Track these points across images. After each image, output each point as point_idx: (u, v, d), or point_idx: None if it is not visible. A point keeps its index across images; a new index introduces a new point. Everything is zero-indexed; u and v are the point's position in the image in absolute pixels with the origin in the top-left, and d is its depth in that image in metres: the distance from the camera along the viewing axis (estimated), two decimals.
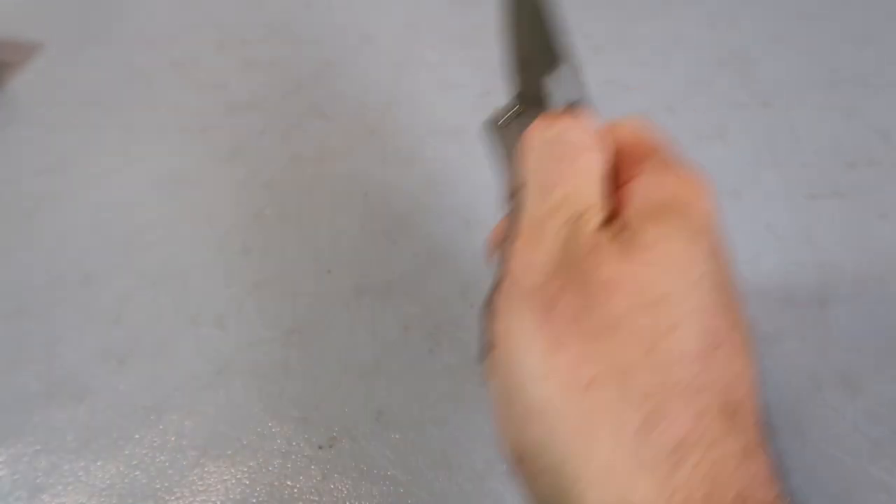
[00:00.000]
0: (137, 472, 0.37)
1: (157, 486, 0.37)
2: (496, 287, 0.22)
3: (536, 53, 0.26)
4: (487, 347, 0.21)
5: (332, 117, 0.58)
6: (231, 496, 0.36)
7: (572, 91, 0.25)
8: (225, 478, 0.37)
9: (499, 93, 0.64)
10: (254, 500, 0.36)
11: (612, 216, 0.21)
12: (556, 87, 0.25)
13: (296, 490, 0.36)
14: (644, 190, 0.21)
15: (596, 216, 0.21)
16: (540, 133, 0.23)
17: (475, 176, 0.52)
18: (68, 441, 0.39)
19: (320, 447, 0.38)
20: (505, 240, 0.24)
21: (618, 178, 0.23)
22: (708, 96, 0.58)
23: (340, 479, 0.37)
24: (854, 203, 0.48)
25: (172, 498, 0.36)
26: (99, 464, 0.38)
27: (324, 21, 0.70)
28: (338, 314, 0.44)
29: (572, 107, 0.25)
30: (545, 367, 0.18)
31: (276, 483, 0.37)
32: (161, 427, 0.39)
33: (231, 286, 0.46)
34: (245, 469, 0.37)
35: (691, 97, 0.58)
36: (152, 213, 0.51)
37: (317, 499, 0.36)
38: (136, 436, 0.39)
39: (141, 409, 0.40)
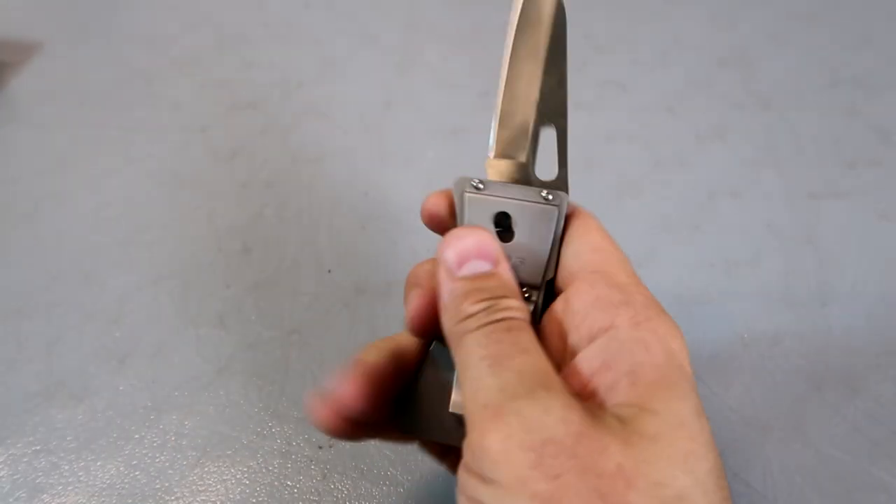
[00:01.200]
0: (137, 472, 0.37)
1: (157, 486, 0.37)
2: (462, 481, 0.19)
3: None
4: None
5: (332, 117, 0.58)
6: (231, 496, 0.36)
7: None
8: (225, 478, 0.37)
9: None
10: (254, 500, 0.36)
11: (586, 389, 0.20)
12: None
13: (296, 490, 0.36)
14: (638, 353, 0.20)
15: (563, 408, 0.18)
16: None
17: (474, 176, 0.52)
18: (68, 441, 0.39)
19: (320, 447, 0.38)
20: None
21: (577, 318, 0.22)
22: (708, 96, 0.58)
23: (340, 479, 0.37)
24: (854, 203, 0.48)
25: (172, 498, 0.36)
26: (99, 464, 0.38)
27: (324, 21, 0.70)
28: (338, 314, 0.44)
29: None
30: None
31: (276, 483, 0.37)
32: (161, 427, 0.39)
33: (231, 286, 0.46)
34: (245, 469, 0.37)
35: (691, 97, 0.58)
36: (152, 213, 0.51)
37: (317, 499, 0.36)
38: (136, 436, 0.39)
39: (141, 409, 0.40)
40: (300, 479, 0.37)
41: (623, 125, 0.56)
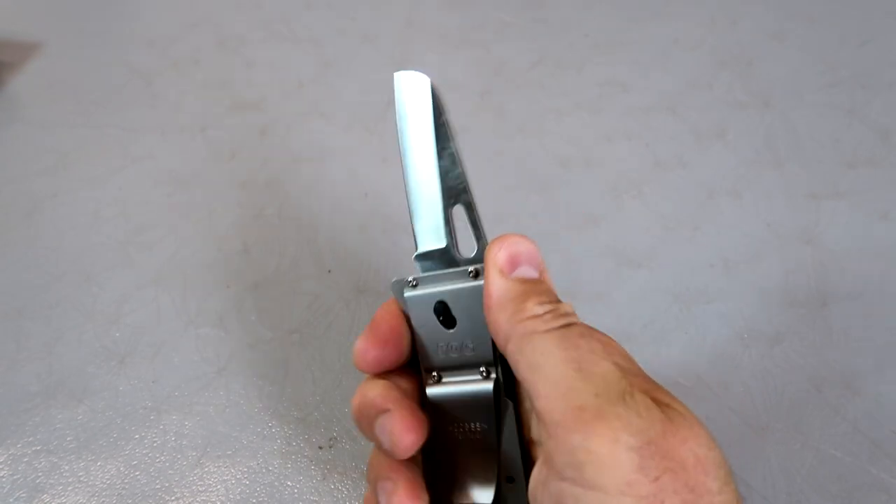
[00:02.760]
0: (137, 472, 0.37)
1: (157, 486, 0.37)
2: None
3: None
4: None
5: (332, 117, 0.58)
6: (231, 496, 0.36)
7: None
8: (225, 478, 0.37)
9: (499, 93, 0.65)
10: (254, 501, 0.36)
11: None
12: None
13: (296, 490, 0.36)
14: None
15: None
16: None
17: (474, 176, 0.52)
18: (68, 441, 0.39)
19: (320, 447, 0.38)
20: None
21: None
22: (708, 96, 0.58)
23: (340, 479, 0.37)
24: (854, 203, 0.48)
25: (172, 498, 0.36)
26: (99, 464, 0.38)
27: (324, 21, 0.70)
28: (338, 314, 0.44)
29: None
30: None
31: (276, 483, 0.37)
32: (161, 427, 0.39)
33: (231, 286, 0.46)
34: (245, 469, 0.37)
35: (691, 97, 0.58)
36: (152, 213, 0.51)
37: (317, 499, 0.36)
38: (136, 436, 0.39)
39: (141, 409, 0.40)
40: (300, 480, 0.37)
41: (623, 125, 0.56)
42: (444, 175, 0.26)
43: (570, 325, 0.21)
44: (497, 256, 0.23)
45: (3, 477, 0.37)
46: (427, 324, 0.25)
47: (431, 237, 0.26)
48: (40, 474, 0.37)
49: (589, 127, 0.56)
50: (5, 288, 0.47)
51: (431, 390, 0.25)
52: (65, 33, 0.70)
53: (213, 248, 0.48)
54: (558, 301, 0.22)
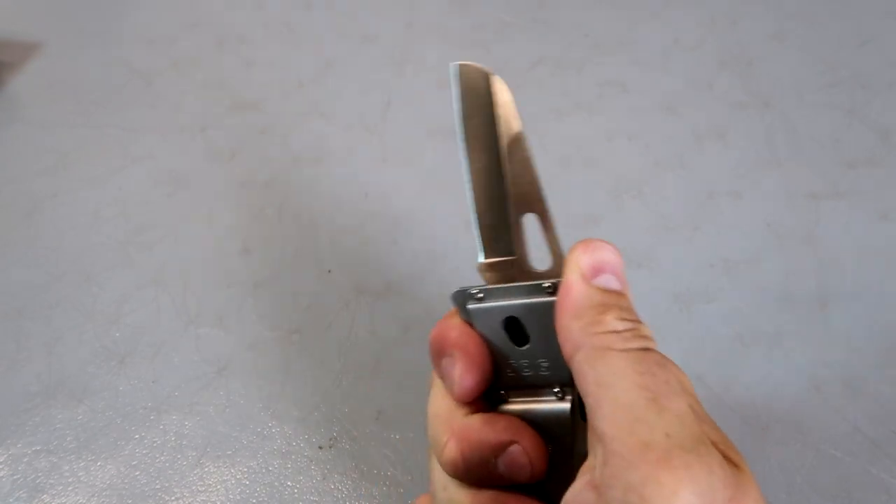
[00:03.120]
0: (137, 472, 0.37)
1: (157, 486, 0.37)
2: None
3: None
4: None
5: (332, 117, 0.58)
6: (231, 496, 0.36)
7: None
8: (225, 478, 0.37)
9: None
10: (254, 501, 0.36)
11: None
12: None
13: (296, 490, 0.36)
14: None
15: None
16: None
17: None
18: (68, 441, 0.39)
19: (320, 447, 0.38)
20: None
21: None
22: (708, 96, 0.58)
23: (340, 479, 0.37)
24: (854, 203, 0.48)
25: (172, 498, 0.36)
26: (99, 464, 0.38)
27: (324, 21, 0.70)
28: (338, 314, 0.44)
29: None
30: None
31: (276, 483, 0.37)
32: (161, 427, 0.39)
33: (231, 286, 0.46)
34: (245, 469, 0.37)
35: (691, 97, 0.58)
36: (152, 213, 0.51)
37: (317, 499, 0.36)
38: (136, 436, 0.39)
39: (141, 409, 0.40)
40: (300, 480, 0.37)
41: (623, 125, 0.56)
42: (515, 180, 0.24)
43: (648, 350, 0.20)
44: (581, 259, 0.21)
45: (3, 477, 0.37)
46: (495, 340, 0.23)
47: (498, 246, 0.24)
48: (40, 474, 0.37)
49: (589, 127, 0.56)
50: (5, 288, 0.47)
51: (503, 409, 0.23)
52: (65, 33, 0.70)
53: (213, 248, 0.48)
54: (639, 321, 0.21)
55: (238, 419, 0.39)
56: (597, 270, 0.21)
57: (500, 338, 0.23)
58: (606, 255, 0.21)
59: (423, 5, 0.70)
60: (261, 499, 0.36)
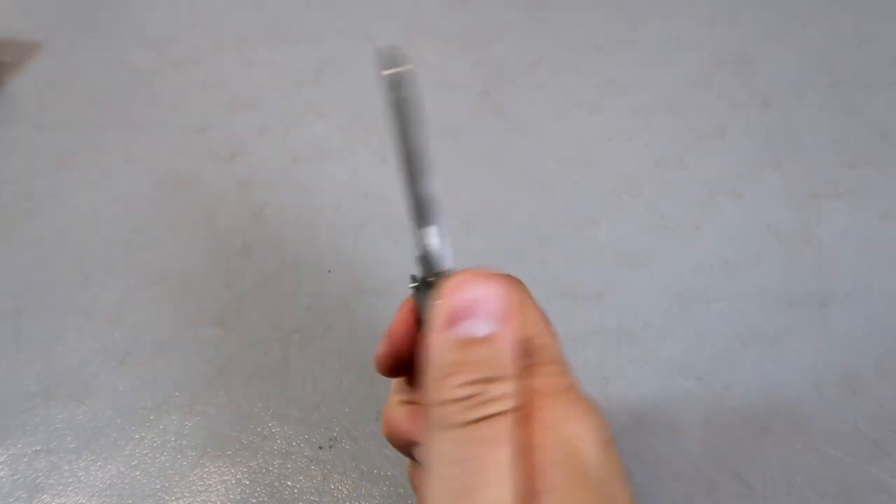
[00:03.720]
0: (137, 472, 0.37)
1: (157, 486, 0.37)
2: None
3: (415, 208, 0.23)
4: None
5: (331, 117, 0.58)
6: (231, 496, 0.36)
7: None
8: (225, 478, 0.37)
9: (498, 93, 0.65)
10: (254, 501, 0.36)
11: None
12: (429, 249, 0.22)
13: (296, 490, 0.36)
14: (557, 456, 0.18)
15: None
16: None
17: (475, 176, 0.52)
18: (68, 441, 0.39)
19: (320, 447, 0.38)
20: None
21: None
22: (708, 96, 0.58)
23: (340, 479, 0.37)
24: (854, 203, 0.48)
25: (172, 498, 0.36)
26: (99, 464, 0.38)
27: (324, 21, 0.70)
28: (338, 314, 0.44)
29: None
30: None
31: (276, 483, 0.37)
32: (161, 427, 0.39)
33: (231, 286, 0.46)
34: (245, 469, 0.37)
35: (691, 97, 0.58)
36: (152, 213, 0.51)
37: (317, 499, 0.36)
38: (136, 436, 0.39)
39: (141, 409, 0.40)
40: (300, 480, 0.37)
41: (623, 125, 0.56)
42: (410, 189, 0.24)
43: (487, 419, 0.18)
44: (441, 307, 0.19)
45: (3, 477, 0.37)
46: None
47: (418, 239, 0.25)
48: (40, 474, 0.37)
49: (589, 127, 0.56)
50: (5, 288, 0.47)
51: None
52: (65, 33, 0.70)
53: (213, 248, 0.48)
54: (490, 380, 0.18)
55: (238, 419, 0.39)
56: (457, 317, 0.19)
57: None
58: (477, 292, 0.19)
59: (423, 5, 0.70)
60: (261, 499, 0.36)
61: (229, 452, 0.38)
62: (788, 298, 0.43)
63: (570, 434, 0.18)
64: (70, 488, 0.37)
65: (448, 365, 0.18)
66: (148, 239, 0.49)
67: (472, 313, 0.19)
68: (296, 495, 0.36)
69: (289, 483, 0.37)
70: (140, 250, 0.48)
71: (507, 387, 0.18)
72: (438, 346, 0.19)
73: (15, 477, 0.37)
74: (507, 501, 0.17)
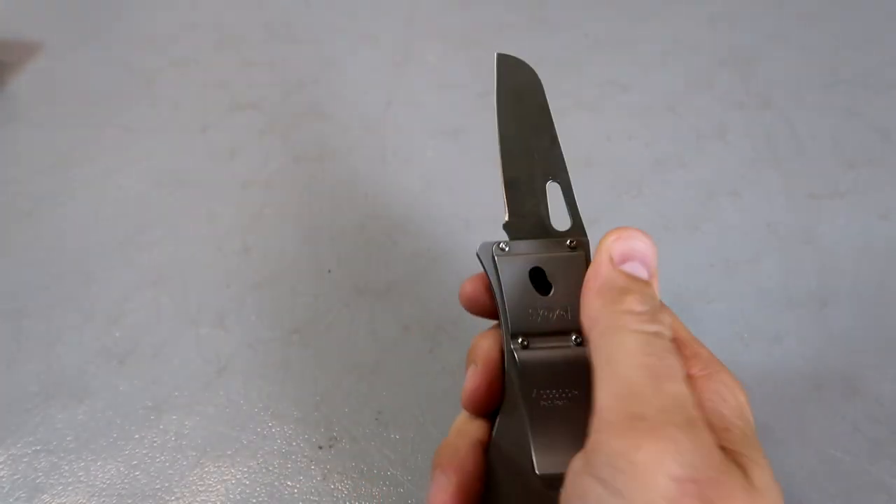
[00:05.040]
0: (137, 472, 0.37)
1: (157, 486, 0.37)
2: None
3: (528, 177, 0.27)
4: None
5: (332, 117, 0.58)
6: (231, 496, 0.36)
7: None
8: (225, 478, 0.37)
9: None
10: (254, 501, 0.36)
11: None
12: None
13: (296, 490, 0.36)
14: (712, 405, 0.20)
15: None
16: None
17: (475, 176, 0.52)
18: (68, 441, 0.39)
19: (320, 447, 0.38)
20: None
21: None
22: (708, 96, 0.58)
23: (340, 479, 0.37)
24: (854, 203, 0.48)
25: (172, 498, 0.36)
26: (99, 464, 0.38)
27: (324, 21, 0.70)
28: (338, 314, 0.44)
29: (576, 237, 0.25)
30: None
31: (276, 483, 0.37)
32: (161, 427, 0.39)
33: (231, 286, 0.46)
34: (245, 469, 0.37)
35: (691, 97, 0.58)
36: (152, 213, 0.51)
37: (317, 499, 0.36)
38: (136, 436, 0.39)
39: (141, 409, 0.40)
40: (300, 480, 0.37)
41: (623, 125, 0.56)
42: (543, 152, 0.28)
43: (660, 335, 0.20)
44: (613, 245, 0.23)
45: (3, 477, 0.37)
46: (519, 288, 0.25)
47: (523, 207, 0.27)
48: (40, 474, 0.37)
49: (589, 127, 0.56)
50: (5, 288, 0.47)
51: (522, 354, 0.25)
52: (65, 33, 0.70)
53: (213, 248, 0.48)
54: (659, 309, 0.21)
55: (238, 419, 0.39)
56: (625, 258, 0.23)
57: (525, 286, 0.25)
58: (638, 244, 0.23)
59: (423, 5, 0.70)
60: (261, 499, 0.36)
61: (229, 452, 0.38)
62: (788, 298, 0.43)
63: (741, 400, 0.20)
64: (70, 488, 0.37)
65: (624, 287, 0.22)
66: (148, 239, 0.49)
67: (635, 258, 0.23)
68: (296, 495, 0.36)
69: (289, 483, 0.37)
70: (140, 250, 0.48)
71: (668, 319, 0.21)
72: (612, 273, 0.22)
73: (15, 477, 0.37)
74: (689, 397, 0.19)
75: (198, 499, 0.36)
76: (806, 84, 0.58)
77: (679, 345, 0.22)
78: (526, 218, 0.27)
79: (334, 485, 0.36)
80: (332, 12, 0.71)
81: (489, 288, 0.26)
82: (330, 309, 0.44)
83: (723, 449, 0.18)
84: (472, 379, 0.24)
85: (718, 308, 0.43)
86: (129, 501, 0.36)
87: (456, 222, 0.49)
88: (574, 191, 0.27)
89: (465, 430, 0.24)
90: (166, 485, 0.37)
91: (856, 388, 0.39)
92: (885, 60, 0.60)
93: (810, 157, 0.52)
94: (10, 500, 0.36)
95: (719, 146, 0.53)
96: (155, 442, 0.38)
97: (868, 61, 0.60)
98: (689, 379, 0.20)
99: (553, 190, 0.27)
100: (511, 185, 0.27)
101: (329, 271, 0.47)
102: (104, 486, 0.37)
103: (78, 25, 0.71)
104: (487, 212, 0.49)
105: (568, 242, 0.25)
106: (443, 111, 0.58)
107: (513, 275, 0.25)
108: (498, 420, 0.24)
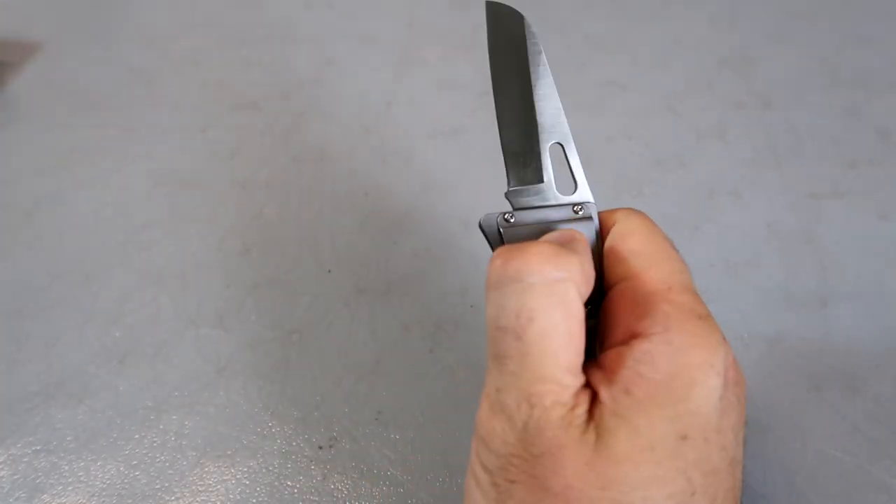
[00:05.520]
0: (137, 472, 0.37)
1: (157, 486, 0.37)
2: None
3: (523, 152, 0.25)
4: None
5: (332, 117, 0.58)
6: (231, 496, 0.36)
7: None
8: (225, 478, 0.37)
9: None
10: (254, 501, 0.36)
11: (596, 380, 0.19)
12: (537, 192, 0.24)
13: (296, 490, 0.36)
14: (641, 365, 0.19)
15: (559, 403, 0.18)
16: (496, 273, 0.19)
17: (475, 176, 0.52)
18: (68, 441, 0.39)
19: (320, 447, 0.38)
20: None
21: (616, 307, 0.21)
22: (708, 96, 0.58)
23: (340, 479, 0.37)
24: (854, 203, 0.48)
25: (172, 498, 0.36)
26: (99, 464, 0.38)
27: (324, 21, 0.70)
28: (338, 314, 0.44)
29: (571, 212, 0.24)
30: None
31: (276, 483, 0.37)
32: (161, 427, 0.39)
33: (231, 286, 0.46)
34: (245, 469, 0.37)
35: (691, 97, 0.58)
36: (152, 213, 0.51)
37: (317, 499, 0.36)
38: (136, 436, 0.39)
39: (141, 409, 0.40)
40: (300, 480, 0.37)
41: (623, 125, 0.56)
42: (541, 111, 0.26)
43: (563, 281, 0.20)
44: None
45: (3, 477, 0.37)
46: None
47: (525, 173, 0.25)
48: (40, 474, 0.37)
49: (589, 127, 0.56)
50: (5, 288, 0.47)
51: None
52: (65, 33, 0.70)
53: (213, 248, 0.48)
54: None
55: (238, 419, 0.39)
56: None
57: None
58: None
59: (423, 5, 0.70)
60: (261, 499, 0.36)
61: (229, 452, 0.38)
62: (788, 298, 0.43)
63: (693, 361, 0.19)
64: (70, 488, 0.37)
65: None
66: (148, 239, 0.49)
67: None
68: (296, 495, 0.36)
69: (289, 483, 0.37)
70: (140, 250, 0.48)
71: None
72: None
73: (15, 477, 0.37)
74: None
75: (198, 499, 0.36)
76: (806, 84, 0.58)
77: (638, 302, 0.21)
78: (529, 184, 0.25)
79: (334, 485, 0.36)
80: (332, 12, 0.71)
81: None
82: (330, 309, 0.44)
83: (610, 410, 0.18)
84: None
85: (718, 308, 0.43)
86: (129, 501, 0.36)
87: (455, 222, 0.49)
88: (576, 151, 0.26)
89: None
90: (166, 485, 0.37)
91: (856, 388, 0.39)
92: (885, 60, 0.60)
93: (810, 157, 0.52)
94: (10, 500, 0.37)
95: (719, 146, 0.53)
96: (155, 442, 0.38)
97: (868, 61, 0.60)
98: (630, 340, 0.20)
99: (555, 152, 0.26)
100: (512, 150, 0.26)
101: (329, 271, 0.47)
102: (104, 486, 0.37)
103: (78, 25, 0.71)
104: (487, 212, 0.49)
105: (574, 208, 0.24)
106: (443, 111, 0.58)
107: None
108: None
